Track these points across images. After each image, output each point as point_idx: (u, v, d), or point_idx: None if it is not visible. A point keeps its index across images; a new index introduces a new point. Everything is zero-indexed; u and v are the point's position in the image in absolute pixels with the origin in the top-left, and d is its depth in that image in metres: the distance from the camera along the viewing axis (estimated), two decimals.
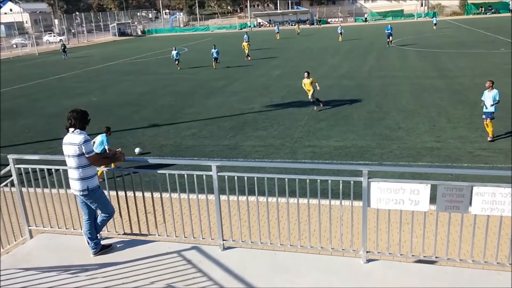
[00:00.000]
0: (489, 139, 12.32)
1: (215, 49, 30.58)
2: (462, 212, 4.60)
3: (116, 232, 5.90)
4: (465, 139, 12.49)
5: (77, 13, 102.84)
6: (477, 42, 36.93)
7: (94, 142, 11.82)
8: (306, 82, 17.09)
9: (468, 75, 22.41)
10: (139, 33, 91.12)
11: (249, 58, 33.89)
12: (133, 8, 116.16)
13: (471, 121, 14.14)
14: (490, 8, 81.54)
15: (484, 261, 4.81)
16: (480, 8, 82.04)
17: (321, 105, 17.14)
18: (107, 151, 11.72)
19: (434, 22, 57.56)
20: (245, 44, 34.32)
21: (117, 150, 5.50)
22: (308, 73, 17.13)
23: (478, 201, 4.47)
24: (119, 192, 5.71)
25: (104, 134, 11.84)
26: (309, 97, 17.10)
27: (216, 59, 30.58)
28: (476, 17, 76.59)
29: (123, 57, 44.10)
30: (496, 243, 4.78)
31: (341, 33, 47.34)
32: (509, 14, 75.25)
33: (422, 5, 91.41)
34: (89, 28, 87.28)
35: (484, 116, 12.37)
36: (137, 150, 13.16)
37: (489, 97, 12.21)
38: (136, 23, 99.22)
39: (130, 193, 5.66)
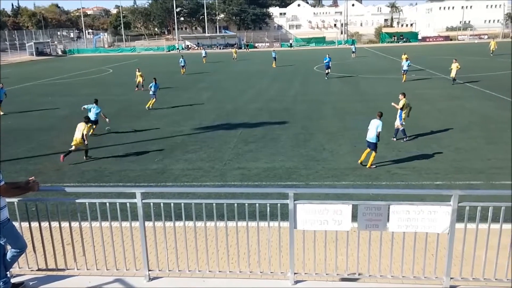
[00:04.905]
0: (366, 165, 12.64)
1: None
2: (381, 229, 4.85)
3: (29, 268, 5.41)
4: (383, 159, 13.30)
5: None
6: (392, 68, 39.98)
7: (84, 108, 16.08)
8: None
9: (385, 99, 24.07)
10: (60, 52, 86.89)
11: (137, 90, 30.11)
12: (52, 27, 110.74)
13: (388, 141, 15.15)
14: (401, 37, 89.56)
15: (402, 276, 5.09)
16: (393, 37, 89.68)
17: None
18: (103, 117, 15.48)
19: (353, 49, 56.76)
20: (138, 73, 30.65)
21: (30, 179, 5.08)
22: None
23: (394, 219, 4.75)
24: (33, 223, 5.26)
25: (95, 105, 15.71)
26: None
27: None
28: (390, 45, 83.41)
29: (42, 77, 41.54)
30: (412, 257, 5.09)
31: (275, 58, 44.26)
32: (418, 43, 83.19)
33: (342, 33, 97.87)
34: (3, 47, 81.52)
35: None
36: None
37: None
38: (56, 42, 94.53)
39: (45, 224, 5.24)
